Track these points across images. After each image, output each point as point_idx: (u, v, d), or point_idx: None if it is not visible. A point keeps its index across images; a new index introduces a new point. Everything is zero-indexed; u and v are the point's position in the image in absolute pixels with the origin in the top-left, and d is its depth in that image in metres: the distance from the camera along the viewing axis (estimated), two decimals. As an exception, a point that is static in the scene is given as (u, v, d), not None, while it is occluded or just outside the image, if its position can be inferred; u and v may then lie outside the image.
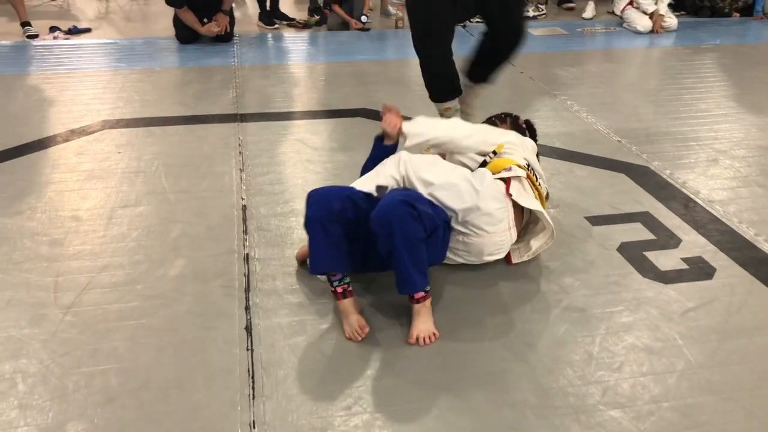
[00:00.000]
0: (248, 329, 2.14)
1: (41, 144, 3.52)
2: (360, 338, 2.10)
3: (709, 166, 3.36)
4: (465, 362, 2.02)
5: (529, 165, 2.46)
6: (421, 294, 2.13)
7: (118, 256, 2.54)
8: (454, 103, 3.28)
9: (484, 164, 2.45)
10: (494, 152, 2.47)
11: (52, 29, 5.72)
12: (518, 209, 2.39)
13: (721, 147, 3.58)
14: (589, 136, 3.66)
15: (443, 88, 3.25)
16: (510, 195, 2.31)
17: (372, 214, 2.10)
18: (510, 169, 2.38)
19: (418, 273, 2.10)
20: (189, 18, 5.29)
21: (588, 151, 3.43)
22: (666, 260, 2.54)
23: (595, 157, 3.42)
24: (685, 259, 2.55)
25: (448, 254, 2.37)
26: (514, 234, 2.37)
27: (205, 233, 2.69)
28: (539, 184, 2.47)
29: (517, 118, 2.79)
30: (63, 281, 2.38)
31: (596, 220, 2.83)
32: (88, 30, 5.91)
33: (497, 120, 2.78)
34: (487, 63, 3.30)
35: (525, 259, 2.47)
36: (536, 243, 2.46)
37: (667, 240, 2.68)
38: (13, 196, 2.97)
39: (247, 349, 2.06)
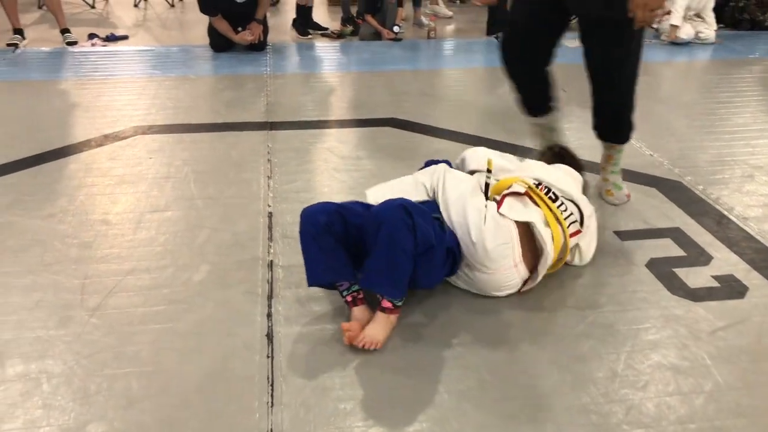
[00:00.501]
0: (269, 336, 2.15)
1: (75, 148, 3.58)
2: (358, 344, 2.04)
3: (744, 182, 3.28)
4: (488, 377, 2.00)
5: (539, 184, 2.37)
6: (389, 305, 2.07)
7: (145, 260, 2.56)
8: (543, 121, 3.05)
9: (486, 187, 2.35)
10: (488, 170, 2.37)
11: (91, 36, 5.85)
12: (530, 242, 2.28)
13: (757, 163, 3.49)
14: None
15: (523, 102, 3.02)
16: (501, 214, 2.22)
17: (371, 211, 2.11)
18: (511, 187, 2.33)
19: (390, 278, 2.03)
20: (223, 26, 5.36)
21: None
22: (696, 277, 2.48)
23: (627, 171, 3.35)
24: (716, 277, 2.49)
25: (457, 280, 2.31)
26: (522, 269, 2.27)
27: (231, 239, 2.71)
28: (556, 207, 2.32)
29: (551, 148, 2.85)
30: (90, 284, 2.41)
31: (625, 235, 2.78)
32: (125, 37, 6.02)
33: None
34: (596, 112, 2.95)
35: (530, 286, 2.33)
36: (542, 270, 2.30)
37: (698, 257, 2.62)
38: (46, 198, 3.03)
39: (268, 357, 2.06)
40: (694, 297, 2.37)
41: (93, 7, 7.22)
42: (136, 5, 7.33)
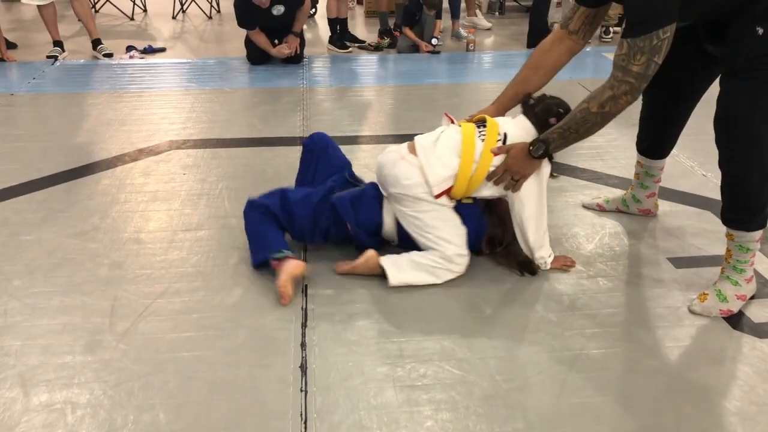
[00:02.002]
0: (303, 368, 2.04)
1: (109, 163, 3.53)
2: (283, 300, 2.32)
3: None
4: (540, 405, 1.86)
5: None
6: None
7: (176, 282, 2.48)
8: (649, 164, 2.82)
9: None
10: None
11: (129, 48, 5.85)
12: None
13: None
14: (672, 169, 3.41)
15: (639, 136, 2.82)
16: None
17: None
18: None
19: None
20: (260, 39, 5.31)
21: (670, 186, 3.20)
22: (761, 311, 2.31)
23: (678, 192, 3.20)
24: (782, 311, 2.31)
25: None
26: (412, 159, 2.43)
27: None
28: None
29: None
30: (119, 307, 2.33)
31: (680, 262, 2.62)
32: (162, 49, 6.02)
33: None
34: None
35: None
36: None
37: (762, 288, 2.44)
38: (78, 215, 2.97)
39: (301, 391, 1.95)
40: (760, 333, 2.20)
41: (132, 18, 7.26)
42: (174, 17, 7.36)
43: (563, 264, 2.57)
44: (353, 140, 3.90)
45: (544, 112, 2.48)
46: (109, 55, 5.71)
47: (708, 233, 2.82)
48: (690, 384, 2.00)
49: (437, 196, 2.41)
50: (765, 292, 2.42)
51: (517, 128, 2.48)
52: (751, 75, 2.09)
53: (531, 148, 2.35)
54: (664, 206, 3.05)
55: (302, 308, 2.33)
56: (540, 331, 2.22)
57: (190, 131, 4.01)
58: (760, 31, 2.03)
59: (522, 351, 2.13)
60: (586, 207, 3.08)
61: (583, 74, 5.26)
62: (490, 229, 2.56)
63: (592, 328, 2.24)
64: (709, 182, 3.29)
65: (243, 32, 5.53)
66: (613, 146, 3.76)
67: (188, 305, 2.35)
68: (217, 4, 7.62)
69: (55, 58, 5.61)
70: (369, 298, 2.38)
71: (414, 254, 2.47)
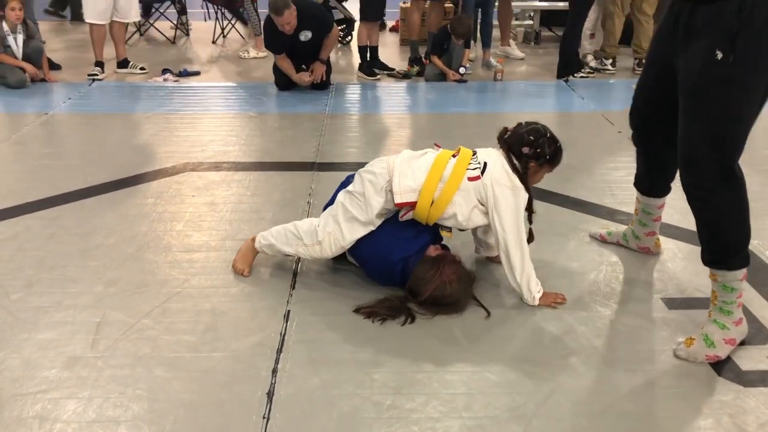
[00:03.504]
0: (270, 395, 2.05)
1: (123, 183, 3.64)
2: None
3: (819, 249, 2.96)
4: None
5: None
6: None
7: (165, 302, 2.53)
8: (645, 201, 2.79)
9: None
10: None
11: (164, 71, 6.04)
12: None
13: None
14: (678, 206, 3.33)
15: (637, 174, 2.78)
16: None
17: None
18: None
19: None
20: (284, 64, 5.41)
21: (675, 223, 3.12)
22: (750, 358, 2.22)
23: (674, 228, 3.11)
24: (773, 359, 2.22)
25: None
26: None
27: (255, 285, 2.65)
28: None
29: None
30: (105, 324, 2.39)
31: (674, 303, 2.55)
32: (197, 73, 6.19)
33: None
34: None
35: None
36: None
37: (756, 334, 2.35)
38: (85, 233, 3.07)
39: (264, 417, 1.96)
40: (745, 381, 2.12)
41: (173, 42, 7.49)
42: (214, 41, 7.57)
43: (552, 301, 2.52)
44: (362, 166, 3.91)
45: (517, 142, 2.46)
46: (143, 69, 5.92)
47: (707, 274, 2.72)
48: (661, 428, 1.93)
49: (398, 205, 2.48)
50: (757, 338, 2.32)
51: (497, 157, 2.47)
52: (704, 103, 2.08)
53: None
54: (668, 244, 2.97)
55: (281, 334, 2.34)
56: (515, 369, 2.18)
57: (207, 154, 4.11)
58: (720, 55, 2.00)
59: (494, 388, 2.09)
60: (591, 236, 3.06)
61: (610, 106, 5.20)
62: (413, 280, 2.46)
63: (570, 367, 2.19)
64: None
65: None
66: (626, 182, 3.68)
67: (172, 327, 2.39)
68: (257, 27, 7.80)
69: (94, 78, 5.84)
70: (350, 327, 2.39)
71: (289, 225, 2.65)
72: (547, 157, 2.47)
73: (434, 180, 2.44)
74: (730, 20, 1.98)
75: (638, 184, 2.79)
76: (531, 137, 2.44)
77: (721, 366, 2.19)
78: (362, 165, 3.85)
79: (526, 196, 2.44)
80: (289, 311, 2.47)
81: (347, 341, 2.31)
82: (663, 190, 2.74)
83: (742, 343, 2.28)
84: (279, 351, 2.25)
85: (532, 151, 2.43)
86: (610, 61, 6.29)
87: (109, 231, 3.09)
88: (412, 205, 2.48)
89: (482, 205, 2.46)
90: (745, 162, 2.17)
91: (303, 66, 5.49)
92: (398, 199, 2.46)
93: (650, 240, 2.88)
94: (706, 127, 2.09)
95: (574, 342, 2.31)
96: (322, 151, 4.18)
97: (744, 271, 2.20)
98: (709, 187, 2.15)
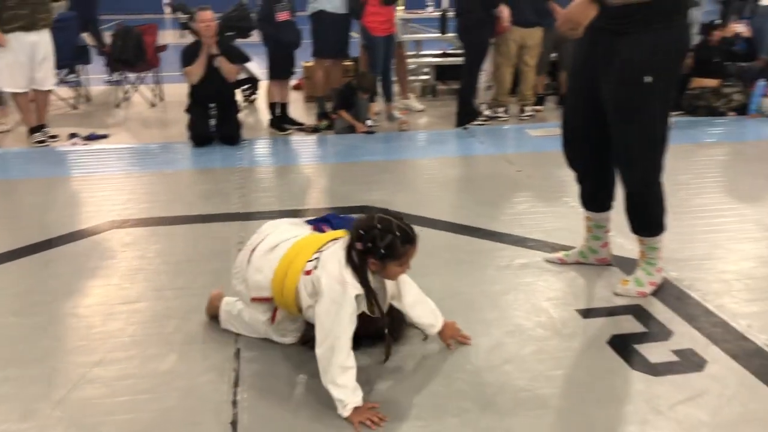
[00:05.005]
0: (234, 424, 2.15)
1: (51, 243, 3.63)
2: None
3: (703, 259, 3.38)
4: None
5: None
6: None
7: (113, 352, 2.58)
8: (597, 217, 3.17)
9: None
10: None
11: (71, 136, 6.00)
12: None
13: (716, 241, 3.61)
14: (580, 229, 3.71)
15: (581, 194, 3.16)
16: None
17: None
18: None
19: None
20: (197, 70, 5.65)
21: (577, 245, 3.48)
22: (657, 353, 2.54)
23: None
24: (675, 352, 2.54)
25: None
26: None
27: (199, 328, 2.74)
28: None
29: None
30: (57, 376, 2.41)
31: (587, 313, 2.85)
32: (105, 136, 6.19)
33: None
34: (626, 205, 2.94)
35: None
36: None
37: (658, 332, 2.68)
38: (20, 293, 3.06)
39: (231, 445, 2.06)
40: (655, 372, 2.42)
41: (76, 108, 7.43)
42: (117, 106, 7.56)
43: (368, 418, 2.13)
44: (290, 213, 4.07)
45: (352, 235, 2.24)
46: (54, 137, 5.87)
47: (613, 287, 3.06)
48: (588, 419, 2.18)
49: (253, 300, 2.50)
50: (662, 335, 2.66)
51: (340, 247, 2.29)
52: (637, 117, 2.64)
53: None
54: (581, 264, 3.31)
55: (234, 369, 2.45)
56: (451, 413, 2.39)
57: (130, 211, 4.15)
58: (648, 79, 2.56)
59: (445, 410, 2.29)
60: (548, 261, 3.34)
61: (507, 149, 5.64)
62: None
63: (505, 373, 2.42)
64: (614, 241, 3.53)
65: (185, 117, 5.77)
66: (532, 212, 4.05)
67: (124, 372, 2.45)
68: (161, 92, 7.86)
69: (42, 142, 5.82)
70: (297, 359, 2.51)
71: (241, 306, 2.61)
72: (382, 251, 2.17)
73: (280, 276, 2.38)
74: (649, 49, 2.54)
75: (587, 204, 3.17)
76: (361, 231, 2.19)
77: (633, 361, 2.49)
78: (286, 213, 4.10)
79: (354, 293, 2.17)
80: (239, 349, 2.58)
81: (297, 371, 2.44)
82: (610, 203, 3.13)
83: (651, 341, 2.60)
84: (235, 384, 2.36)
85: (364, 246, 2.18)
86: (503, 109, 6.79)
87: (44, 290, 3.10)
88: (269, 300, 2.48)
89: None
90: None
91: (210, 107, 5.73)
92: (252, 294, 2.49)
93: (605, 251, 3.26)
94: (642, 134, 2.68)
95: (504, 352, 2.55)
96: (244, 201, 4.32)
97: (664, 233, 2.96)
98: (647, 181, 2.77)
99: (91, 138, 6.07)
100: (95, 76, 8.15)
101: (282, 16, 6.06)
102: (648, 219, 2.92)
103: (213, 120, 5.88)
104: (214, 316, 2.75)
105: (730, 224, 3.86)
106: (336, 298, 2.17)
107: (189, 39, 6.54)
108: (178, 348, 2.60)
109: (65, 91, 7.55)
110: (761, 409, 2.21)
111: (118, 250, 3.54)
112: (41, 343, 2.63)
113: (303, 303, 2.33)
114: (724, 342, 2.60)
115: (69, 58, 7.13)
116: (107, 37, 8.00)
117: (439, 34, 7.76)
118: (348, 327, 2.16)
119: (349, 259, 2.21)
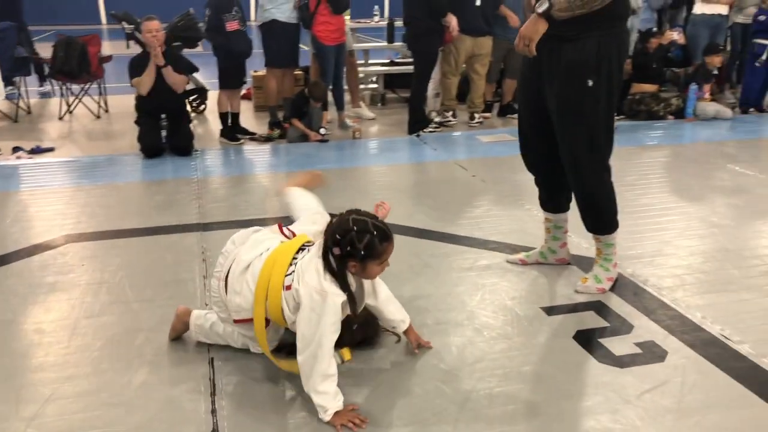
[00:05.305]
0: (215, 431, 2.15)
1: (4, 260, 3.53)
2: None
3: (654, 256, 3.54)
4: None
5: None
6: None
7: (82, 367, 2.53)
8: (555, 218, 3.29)
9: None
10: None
11: (15, 149, 5.83)
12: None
13: (663, 238, 3.77)
14: (540, 232, 3.82)
15: (540, 196, 3.29)
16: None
17: None
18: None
19: None
20: (147, 79, 5.57)
21: (536, 246, 3.58)
22: (620, 346, 2.64)
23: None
24: (638, 344, 2.66)
25: None
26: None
27: (168, 340, 2.71)
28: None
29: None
30: (25, 393, 2.36)
31: (552, 311, 2.95)
32: (51, 149, 6.03)
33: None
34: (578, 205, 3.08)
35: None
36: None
37: (620, 326, 2.80)
38: (-26, 311, 2.96)
39: (214, 452, 2.06)
40: (620, 364, 2.52)
41: (16, 121, 7.21)
42: (60, 118, 7.37)
43: (349, 420, 2.17)
44: (249, 223, 4.05)
45: (329, 241, 2.22)
46: None
47: (574, 285, 3.17)
48: (562, 412, 2.26)
49: (236, 322, 2.45)
50: (622, 329, 2.77)
51: (315, 254, 2.27)
52: (581, 120, 2.75)
53: (536, 3, 2.61)
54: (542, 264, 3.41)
55: (210, 378, 2.44)
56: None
57: (85, 225, 4.06)
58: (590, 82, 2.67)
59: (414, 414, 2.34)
60: (509, 262, 3.43)
61: (459, 155, 5.75)
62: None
63: (476, 372, 2.48)
64: (572, 240, 3.67)
65: (134, 129, 5.68)
66: (490, 216, 4.15)
67: (96, 386, 2.40)
68: (105, 104, 7.70)
69: None
70: (274, 366, 2.52)
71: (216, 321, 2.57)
72: (362, 252, 2.17)
73: (261, 298, 2.34)
74: (593, 53, 2.65)
75: (546, 205, 3.29)
76: (338, 236, 2.18)
77: (599, 354, 2.59)
78: (246, 223, 4.07)
79: (338, 300, 2.17)
80: (212, 358, 2.57)
81: (273, 379, 2.45)
82: (567, 205, 3.25)
83: (613, 335, 2.71)
84: (212, 394, 2.35)
85: (342, 251, 2.17)
86: (450, 113, 6.88)
87: (5, 307, 3.01)
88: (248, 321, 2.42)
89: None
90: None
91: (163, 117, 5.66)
92: (235, 317, 2.43)
93: (564, 251, 3.37)
94: (586, 137, 2.77)
95: (475, 350, 2.62)
96: (203, 212, 4.28)
97: (618, 231, 3.10)
98: (595, 182, 2.88)
99: (36, 151, 5.90)
100: (32, 88, 7.93)
101: (232, 25, 6.03)
102: (601, 218, 3.05)
103: (164, 131, 5.81)
104: (178, 336, 2.69)
105: (677, 222, 4.04)
106: (315, 308, 2.16)
107: (135, 50, 6.44)
108: (150, 360, 2.57)
109: (3, 104, 7.32)
110: (722, 396, 2.34)
111: (77, 264, 3.47)
112: (4, 362, 2.56)
113: (288, 319, 2.31)
114: (682, 333, 2.73)
115: (8, 69, 6.92)
116: (46, 49, 7.78)
117: (387, 43, 7.86)
118: (330, 336, 2.17)
119: (327, 266, 2.20)
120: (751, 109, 7.30)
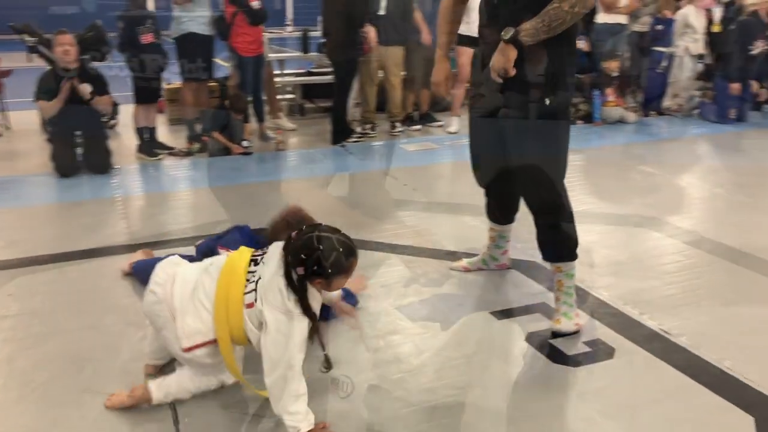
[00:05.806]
0: (186, 464, 2.09)
1: None
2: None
3: (585, 256, 3.67)
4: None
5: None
6: None
7: (24, 404, 2.39)
8: (501, 229, 3.36)
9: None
10: None
11: None
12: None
13: (591, 240, 3.95)
14: (478, 236, 3.89)
15: (488, 207, 3.34)
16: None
17: None
18: None
19: None
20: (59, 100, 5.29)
21: (476, 251, 3.68)
22: (570, 345, 2.76)
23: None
24: (586, 343, 2.78)
25: None
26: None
27: (121, 368, 2.61)
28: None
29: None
30: (-30, 437, 2.21)
31: (500, 315, 3.04)
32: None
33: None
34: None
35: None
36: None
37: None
38: None
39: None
40: (574, 363, 2.64)
41: None
42: (-44, 137, 6.89)
43: None
44: (183, 242, 3.96)
45: (293, 261, 2.16)
46: None
47: (516, 288, 3.30)
48: (525, 412, 2.34)
49: (187, 350, 2.27)
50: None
51: (276, 271, 2.20)
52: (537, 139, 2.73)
53: (502, 33, 2.52)
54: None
55: (171, 407, 2.36)
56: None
57: (5, 252, 3.81)
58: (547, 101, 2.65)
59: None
60: (453, 269, 3.50)
61: (388, 165, 5.81)
62: None
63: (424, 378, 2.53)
64: (512, 245, 3.79)
65: (43, 148, 5.40)
66: (426, 223, 4.22)
67: (44, 424, 2.28)
68: (7, 121, 7.26)
69: None
70: (235, 395, 2.47)
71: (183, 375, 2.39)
72: (329, 270, 2.14)
73: (222, 317, 2.25)
74: (548, 72, 2.63)
75: (492, 217, 3.36)
76: (303, 255, 2.13)
77: (552, 354, 2.70)
78: (181, 242, 3.96)
79: (305, 321, 2.15)
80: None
81: (239, 404, 2.40)
82: (513, 217, 3.33)
83: (561, 335, 2.82)
84: (176, 422, 2.29)
85: (309, 270, 2.13)
86: (370, 126, 6.94)
87: (-77, 345, 2.79)
88: (208, 344, 2.28)
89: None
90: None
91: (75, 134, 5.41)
92: (187, 344, 2.26)
93: (505, 257, 3.48)
94: (544, 157, 2.75)
95: (433, 357, 2.66)
96: (134, 231, 4.12)
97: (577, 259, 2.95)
98: (554, 203, 2.82)
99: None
100: None
101: (146, 38, 5.86)
102: (562, 242, 2.88)
103: (79, 149, 5.54)
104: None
105: (602, 223, 4.25)
106: (281, 329, 2.13)
107: (38, 62, 6.12)
108: (104, 390, 2.45)
109: None
110: (669, 387, 2.49)
111: (3, 294, 3.26)
112: (-58, 404, 2.38)
113: (252, 336, 2.24)
114: (625, 330, 2.89)
115: None
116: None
117: (302, 53, 7.84)
118: (298, 355, 2.14)
119: (290, 284, 2.15)
120: (652, 112, 7.77)
